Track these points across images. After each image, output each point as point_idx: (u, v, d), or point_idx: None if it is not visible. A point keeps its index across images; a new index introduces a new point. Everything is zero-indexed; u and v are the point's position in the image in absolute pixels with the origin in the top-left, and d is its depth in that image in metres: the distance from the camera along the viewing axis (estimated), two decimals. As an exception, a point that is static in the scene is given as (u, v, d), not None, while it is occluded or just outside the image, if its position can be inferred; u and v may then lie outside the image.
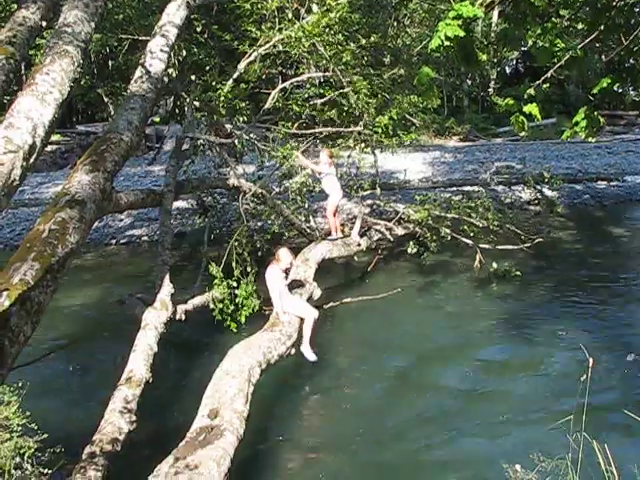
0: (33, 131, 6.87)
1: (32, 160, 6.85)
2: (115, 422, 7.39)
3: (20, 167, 6.62)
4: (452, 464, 7.23)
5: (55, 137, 28.61)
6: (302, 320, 9.60)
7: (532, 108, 9.25)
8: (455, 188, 20.80)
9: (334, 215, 13.25)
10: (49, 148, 27.05)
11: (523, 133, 9.94)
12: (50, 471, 4.46)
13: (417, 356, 10.18)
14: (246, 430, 7.06)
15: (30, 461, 4.29)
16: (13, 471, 4.14)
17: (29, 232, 8.04)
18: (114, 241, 17.79)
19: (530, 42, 10.56)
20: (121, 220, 18.89)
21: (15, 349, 6.85)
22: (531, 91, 9.30)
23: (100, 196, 8.81)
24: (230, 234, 12.68)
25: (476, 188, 18.35)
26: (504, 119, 29.39)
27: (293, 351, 9.15)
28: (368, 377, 9.49)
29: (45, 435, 4.52)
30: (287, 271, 9.83)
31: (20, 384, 4.93)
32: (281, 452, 7.72)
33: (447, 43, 7.99)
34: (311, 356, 9.52)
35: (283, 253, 9.66)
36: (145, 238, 17.76)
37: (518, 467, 5.47)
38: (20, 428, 4.44)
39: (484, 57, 10.14)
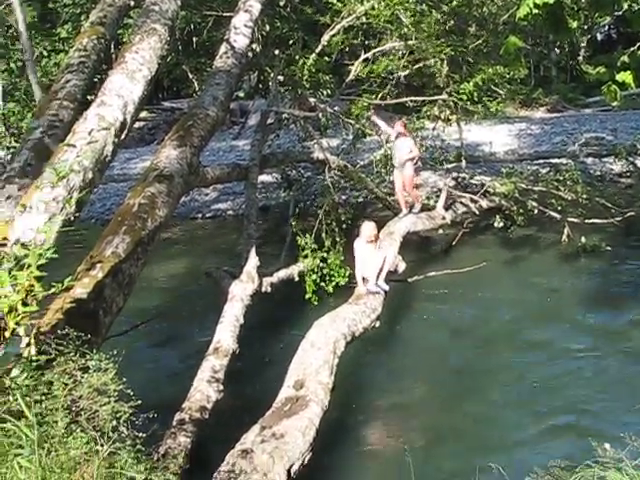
0: (124, 108, 7.03)
1: (123, 136, 7.02)
2: (203, 391, 7.62)
3: (112, 143, 6.80)
4: (539, 441, 7.16)
5: (142, 114, 29.15)
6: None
7: (626, 76, 8.90)
8: (542, 161, 20.35)
9: (413, 187, 13.03)
10: (136, 125, 27.62)
11: (615, 103, 9.61)
12: (144, 435, 4.61)
13: (502, 330, 10.15)
14: (330, 402, 7.14)
15: (125, 425, 4.45)
16: (111, 433, 4.30)
17: (119, 207, 8.30)
18: (200, 215, 18.13)
19: (625, 6, 10.15)
20: (207, 194, 19.20)
21: (108, 319, 7.12)
22: (625, 58, 8.96)
23: (187, 170, 9.01)
24: (314, 208, 12.77)
25: (564, 160, 17.81)
26: (594, 89, 28.32)
27: (378, 324, 9.16)
28: (453, 350, 9.51)
29: (139, 401, 4.67)
30: (373, 242, 9.72)
31: (115, 352, 5.11)
32: (364, 424, 7.81)
33: (535, 11, 7.78)
34: (385, 286, 9.65)
35: (363, 227, 9.71)
36: (230, 212, 18.01)
37: (607, 446, 5.35)
38: (116, 394, 4.62)
39: (574, 24, 9.87)
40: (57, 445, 3.99)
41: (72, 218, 6.17)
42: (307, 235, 10.94)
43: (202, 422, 7.17)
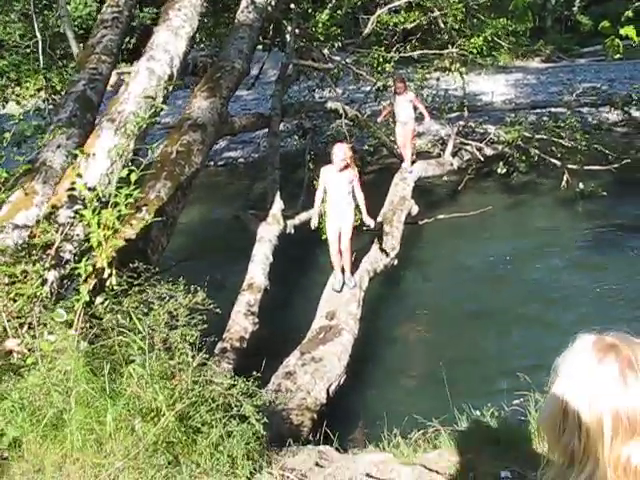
0: (170, 62, 7.64)
1: (170, 88, 7.63)
2: (241, 323, 8.35)
3: (161, 96, 7.43)
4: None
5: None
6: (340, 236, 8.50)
7: (629, 30, 9.44)
8: (539, 110, 20.83)
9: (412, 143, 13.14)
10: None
11: (617, 56, 10.16)
12: (207, 356, 5.24)
13: (507, 268, 10.95)
14: (359, 330, 7.93)
15: (192, 347, 5.07)
16: (179, 355, 4.93)
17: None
18: (212, 163, 18.61)
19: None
20: (217, 143, 19.63)
21: (155, 257, 7.81)
22: (629, 13, 9.49)
23: (218, 120, 9.64)
24: (325, 155, 13.33)
25: (561, 110, 18.32)
26: (588, 39, 28.75)
27: (396, 262, 9.91)
28: (463, 286, 10.25)
29: (205, 326, 5.30)
30: (345, 169, 8.21)
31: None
32: (390, 350, 8.57)
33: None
34: (351, 283, 8.62)
35: (336, 149, 8.31)
36: (241, 160, 18.52)
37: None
38: (186, 319, 5.22)
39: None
40: (156, 356, 4.67)
41: (129, 164, 6.83)
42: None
43: (241, 351, 7.88)
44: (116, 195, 5.31)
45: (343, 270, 8.68)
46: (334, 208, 8.40)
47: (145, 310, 5.25)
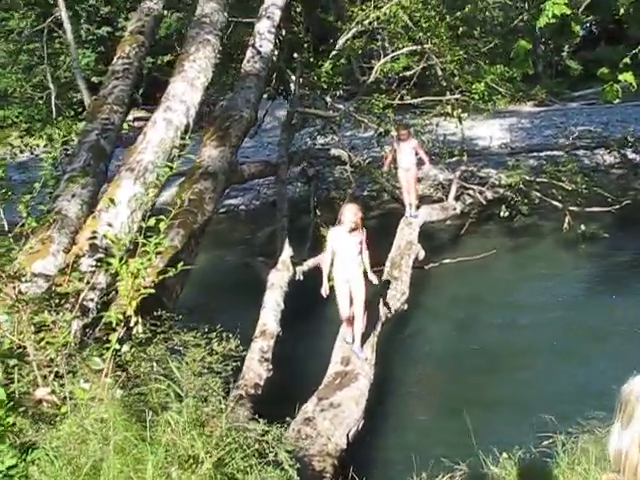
0: (187, 112, 7.77)
1: (187, 137, 7.75)
2: (255, 369, 8.36)
3: (178, 145, 7.55)
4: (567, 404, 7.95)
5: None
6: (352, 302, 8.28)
7: (627, 77, 9.73)
8: (535, 153, 21.06)
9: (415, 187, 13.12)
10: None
11: (617, 101, 10.41)
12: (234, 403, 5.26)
13: (516, 307, 11.10)
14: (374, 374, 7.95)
15: (215, 393, 5.09)
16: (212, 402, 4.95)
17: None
18: (214, 210, 18.72)
19: (622, 10, 10.98)
20: (219, 189, 19.82)
21: (170, 305, 7.83)
22: (627, 60, 9.78)
23: (228, 168, 9.75)
24: (328, 201, 13.47)
25: (557, 153, 18.57)
26: (579, 83, 29.23)
27: (406, 307, 9.97)
28: (473, 328, 10.36)
29: (225, 373, 5.32)
30: (354, 230, 8.01)
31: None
32: (407, 393, 8.59)
33: (552, 20, 8.61)
34: (361, 354, 8.21)
35: (346, 210, 8.10)
36: (242, 207, 18.65)
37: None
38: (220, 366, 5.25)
39: (577, 28, 10.65)
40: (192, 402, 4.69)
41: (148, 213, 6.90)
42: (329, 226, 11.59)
43: (256, 397, 7.88)
44: (145, 244, 5.35)
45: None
46: (343, 269, 8.13)
47: (172, 357, 5.29)
